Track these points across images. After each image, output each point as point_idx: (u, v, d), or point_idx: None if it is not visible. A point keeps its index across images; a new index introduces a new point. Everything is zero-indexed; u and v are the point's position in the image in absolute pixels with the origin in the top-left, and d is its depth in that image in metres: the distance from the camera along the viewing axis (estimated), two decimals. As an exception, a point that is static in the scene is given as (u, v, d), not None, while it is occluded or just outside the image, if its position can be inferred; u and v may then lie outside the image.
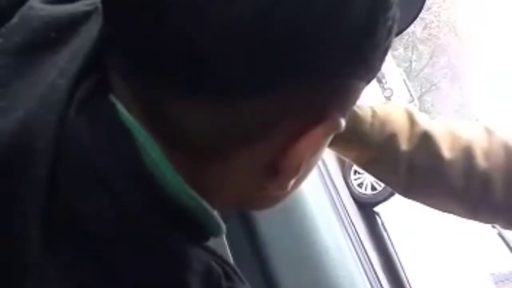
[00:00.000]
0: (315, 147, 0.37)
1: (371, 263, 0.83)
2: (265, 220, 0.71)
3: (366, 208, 5.26)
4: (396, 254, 4.95)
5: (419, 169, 0.73)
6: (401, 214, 5.70)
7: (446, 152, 0.72)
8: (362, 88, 0.38)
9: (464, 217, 0.77)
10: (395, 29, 0.36)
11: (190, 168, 0.36)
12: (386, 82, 10.07)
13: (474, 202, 0.73)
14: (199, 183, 0.37)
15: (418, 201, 0.78)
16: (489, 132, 0.74)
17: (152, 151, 0.35)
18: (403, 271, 4.73)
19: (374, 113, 0.73)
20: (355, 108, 0.72)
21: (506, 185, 0.71)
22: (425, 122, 0.74)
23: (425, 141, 0.73)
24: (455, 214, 0.77)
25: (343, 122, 0.37)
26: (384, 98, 9.17)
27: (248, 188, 0.39)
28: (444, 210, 0.78)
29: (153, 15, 0.31)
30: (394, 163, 0.74)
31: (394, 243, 5.08)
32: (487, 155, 0.72)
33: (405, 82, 12.08)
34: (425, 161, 0.73)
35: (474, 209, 0.74)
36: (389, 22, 0.35)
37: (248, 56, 0.31)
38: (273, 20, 0.30)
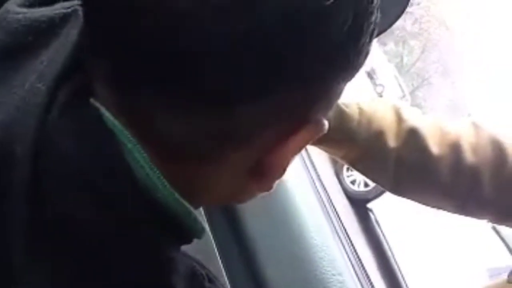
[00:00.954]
0: (300, 148, 0.38)
1: (360, 260, 0.83)
2: (253, 219, 0.71)
3: (359, 205, 5.29)
4: (390, 250, 4.97)
5: (407, 165, 0.74)
6: (394, 210, 5.71)
7: (434, 147, 0.72)
8: (343, 88, 0.39)
9: (453, 212, 0.77)
10: (376, 33, 0.37)
11: (177, 173, 0.36)
12: (377, 78, 10.10)
13: (463, 197, 0.74)
14: (186, 186, 0.37)
15: (407, 197, 0.78)
16: (476, 126, 0.74)
17: (138, 155, 0.34)
18: (398, 267, 4.74)
19: (361, 110, 0.73)
20: (342, 106, 0.73)
21: (493, 179, 0.71)
22: (412, 118, 0.74)
23: (413, 137, 0.73)
24: (444, 209, 0.77)
25: (326, 124, 0.39)
26: (376, 94, 9.19)
27: (234, 188, 0.40)
28: (433, 205, 0.78)
29: (148, 27, 0.31)
30: (382, 160, 0.74)
31: (388, 239, 5.10)
32: (475, 149, 0.72)
33: (396, 78, 12.11)
34: (413, 157, 0.73)
35: (462, 204, 0.75)
36: (372, 27, 0.36)
37: (241, 66, 0.31)
38: (264, 32, 0.31)
